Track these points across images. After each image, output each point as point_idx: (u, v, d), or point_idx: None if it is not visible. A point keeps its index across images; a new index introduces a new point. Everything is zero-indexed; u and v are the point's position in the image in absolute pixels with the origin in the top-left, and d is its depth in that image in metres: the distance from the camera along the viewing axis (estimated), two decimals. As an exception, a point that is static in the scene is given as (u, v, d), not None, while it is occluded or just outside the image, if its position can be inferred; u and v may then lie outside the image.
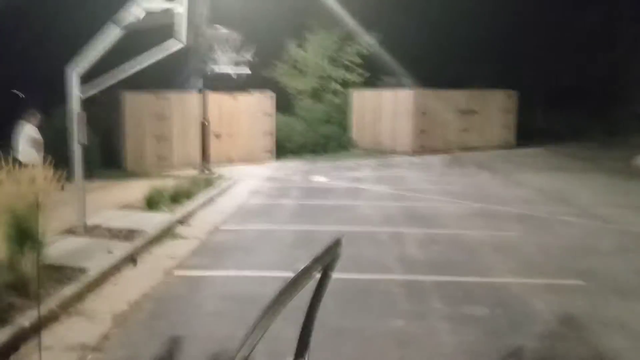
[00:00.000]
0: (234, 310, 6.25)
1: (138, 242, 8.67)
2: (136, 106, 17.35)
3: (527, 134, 26.86)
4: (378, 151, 23.20)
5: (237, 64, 18.22)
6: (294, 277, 2.01)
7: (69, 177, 9.32)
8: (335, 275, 6.53)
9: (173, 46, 9.08)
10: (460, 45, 28.86)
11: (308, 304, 2.32)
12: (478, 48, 29.32)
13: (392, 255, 8.46)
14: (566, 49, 30.24)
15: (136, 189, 12.85)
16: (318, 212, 11.66)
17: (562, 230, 10.24)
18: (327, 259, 2.23)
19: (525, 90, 27.12)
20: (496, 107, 25.36)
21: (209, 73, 17.21)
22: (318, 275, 2.24)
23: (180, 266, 7.95)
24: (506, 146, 25.14)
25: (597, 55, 31.40)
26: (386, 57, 26.09)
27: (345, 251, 7.35)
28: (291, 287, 2.00)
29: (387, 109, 23.55)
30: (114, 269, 7.50)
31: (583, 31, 30.72)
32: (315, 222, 10.65)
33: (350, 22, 25.06)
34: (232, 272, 7.69)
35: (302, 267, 2.08)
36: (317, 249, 2.18)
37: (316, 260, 2.14)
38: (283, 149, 21.20)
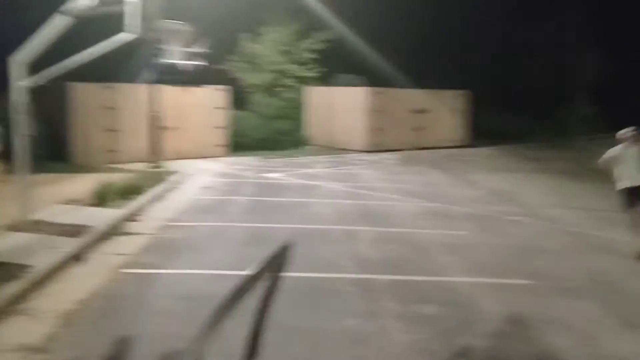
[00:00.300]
0: (184, 309, 6.13)
1: (86, 238, 8.41)
2: (85, 97, 16.86)
3: (479, 134, 27.41)
4: (332, 148, 23.24)
5: (189, 57, 17.91)
6: (243, 280, 1.97)
7: (14, 170, 8.98)
8: (289, 273, 6.50)
9: (126, 37, 8.85)
10: (416, 45, 29.22)
11: (258, 307, 2.28)
12: (433, 48, 29.76)
13: (346, 254, 8.46)
14: (517, 52, 31.00)
15: (84, 183, 12.49)
16: (271, 209, 11.58)
17: (512, 230, 10.46)
18: (276, 263, 2.20)
19: (478, 91, 27.66)
20: (450, 107, 25.76)
21: (160, 65, 16.84)
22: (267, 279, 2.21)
23: (129, 263, 7.74)
24: (459, 145, 25.56)
25: (546, 58, 32.31)
26: (342, 54, 26.15)
27: (298, 249, 7.39)
28: (240, 290, 1.97)
29: (341, 106, 23.61)
30: (60, 267, 7.25)
31: (533, 36, 31.54)
32: (268, 220, 10.57)
33: (305, 17, 25.00)
34: (183, 270, 7.55)
35: (251, 269, 2.04)
36: (270, 246, 2.14)
37: (265, 264, 2.12)
38: (236, 144, 20.96)
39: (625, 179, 9.04)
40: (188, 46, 18.35)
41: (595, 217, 11.66)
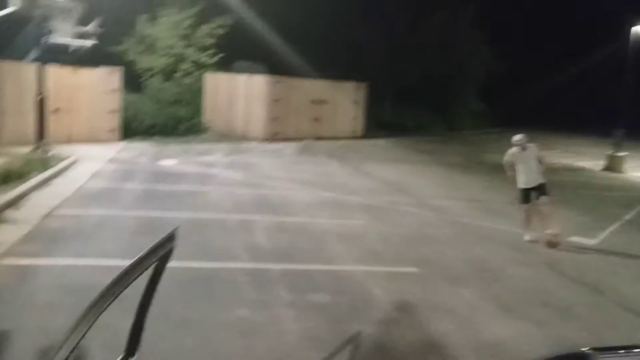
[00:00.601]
0: (68, 301, 5.83)
1: (-42, 226, 7.81)
2: (-39, 74, 15.58)
3: (375, 125, 28.14)
4: (231, 136, 22.97)
5: (78, 36, 16.96)
6: (124, 270, 1.89)
7: None
8: (182, 264, 6.41)
9: (3, 11, 8.26)
10: (316, 36, 29.39)
11: (140, 299, 2.20)
12: (332, 40, 30.06)
13: (240, 243, 8.41)
14: (412, 49, 31.99)
15: (-42, 167, 11.59)
16: (165, 198, 11.27)
17: (402, 219, 10.84)
18: (160, 252, 2.13)
19: (375, 84, 28.32)
20: (347, 98, 26.19)
21: (46, 44, 15.83)
22: (151, 269, 2.13)
23: (8, 254, 7.26)
24: (355, 137, 26.09)
25: (440, 56, 33.60)
26: (242, 41, 25.82)
27: (192, 239, 7.27)
28: (120, 281, 1.88)
29: (240, 94, 23.37)
30: None
31: (428, 34, 32.69)
32: (161, 208, 10.27)
33: (206, 1, 24.47)
34: (68, 261, 7.18)
35: (134, 259, 1.97)
36: (162, 235, 2.08)
37: (149, 253, 2.04)
38: (130, 129, 20.16)
39: (521, 180, 10.01)
40: (79, 25, 17.43)
41: (481, 208, 12.34)
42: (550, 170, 20.59)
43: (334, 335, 5.50)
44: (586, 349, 1.45)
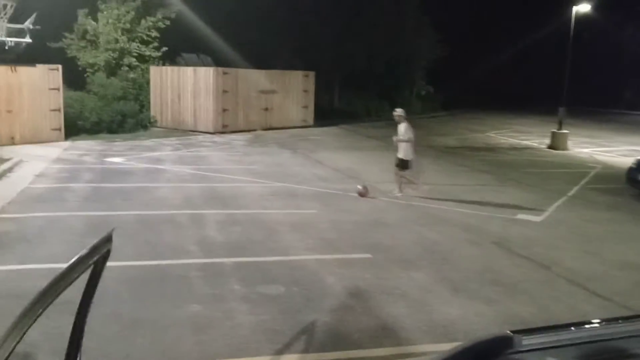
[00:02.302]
0: (14, 308, 5.62)
1: None
2: None
3: (324, 113, 28.18)
4: (180, 130, 22.66)
5: (14, 32, 16.35)
6: (59, 273, 1.85)
7: None
8: (131, 262, 6.31)
9: None
10: (261, 25, 29.18)
11: (79, 302, 2.16)
12: (278, 29, 29.88)
13: (192, 239, 8.32)
14: (358, 34, 32.09)
15: None
16: (113, 196, 11.03)
17: (354, 206, 10.92)
18: (97, 254, 2.09)
19: (323, 72, 28.34)
20: (296, 88, 26.14)
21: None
22: (88, 272, 2.09)
23: (-53, 262, 7.00)
24: (305, 125, 26.09)
25: (386, 40, 33.82)
26: (187, 33, 25.42)
27: (142, 237, 7.17)
28: (56, 284, 1.84)
29: (188, 87, 23.02)
30: None
31: (375, 18, 32.85)
32: (109, 207, 10.06)
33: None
34: (12, 266, 6.96)
35: (70, 261, 1.92)
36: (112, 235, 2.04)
37: (85, 256, 1.99)
38: (74, 127, 19.62)
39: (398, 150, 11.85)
40: (14, 22, 16.81)
41: (430, 191, 12.49)
42: (497, 149, 21.17)
43: (289, 326, 5.51)
44: (509, 331, 1.50)
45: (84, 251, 1.99)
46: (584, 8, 23.30)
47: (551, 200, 12.22)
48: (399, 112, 12.00)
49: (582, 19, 23.52)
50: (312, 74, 26.88)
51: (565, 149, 21.68)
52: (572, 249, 8.77)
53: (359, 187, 11.77)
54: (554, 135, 22.27)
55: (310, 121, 26.67)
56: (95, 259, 2.11)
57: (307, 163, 16.16)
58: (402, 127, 11.76)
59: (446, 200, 11.71)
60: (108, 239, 2.21)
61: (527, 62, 48.91)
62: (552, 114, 23.83)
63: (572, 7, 23.18)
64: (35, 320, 1.80)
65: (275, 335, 5.33)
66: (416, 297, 6.44)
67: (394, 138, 11.98)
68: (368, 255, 7.87)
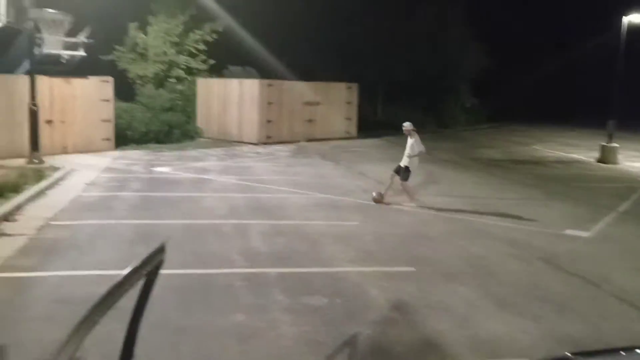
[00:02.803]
0: (66, 313, 5.84)
1: (-47, 242, 7.81)
2: (-48, 88, 15.53)
3: (367, 125, 28.18)
4: (225, 141, 23.02)
5: (69, 46, 16.95)
6: (115, 283, 1.92)
7: None
8: (178, 270, 6.45)
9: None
10: (306, 38, 29.48)
11: (132, 310, 2.24)
12: (322, 42, 30.14)
13: (236, 248, 8.43)
14: (403, 46, 32.05)
15: (-48, 182, 11.58)
16: (160, 205, 11.28)
17: (399, 218, 10.89)
18: (150, 264, 2.16)
19: (366, 84, 28.38)
20: (339, 99, 26.24)
21: (37, 55, 15.81)
22: (141, 282, 2.17)
23: (3, 267, 7.27)
24: (348, 137, 26.14)
25: (431, 52, 33.66)
26: (233, 46, 25.90)
27: (188, 246, 7.31)
28: (112, 294, 1.91)
29: (233, 99, 23.40)
30: None
31: (418, 30, 32.76)
32: (157, 216, 10.29)
33: (196, 7, 24.52)
34: (64, 272, 7.19)
35: (125, 272, 2.00)
36: (159, 244, 2.11)
37: (139, 266, 2.07)
38: (124, 137, 20.18)
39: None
40: (69, 36, 17.43)
41: (474, 204, 12.37)
42: (543, 162, 20.75)
43: (332, 338, 5.52)
44: (568, 353, 1.49)
45: (138, 262, 2.07)
46: (635, 18, 22.70)
47: (600, 215, 11.91)
48: (407, 125, 12.21)
49: (633, 29, 22.90)
50: (355, 85, 26.95)
51: (615, 162, 21.10)
52: (623, 266, 8.53)
53: (374, 193, 12.11)
54: (603, 149, 21.71)
55: (354, 133, 26.70)
56: (149, 270, 2.19)
57: (349, 175, 16.19)
58: (412, 141, 11.99)
59: (490, 213, 11.55)
60: (161, 250, 2.28)
61: (574, 73, 47.84)
62: (600, 127, 23.23)
63: (622, 18, 22.62)
64: (92, 328, 1.88)
65: (318, 346, 5.35)
66: (460, 311, 6.37)
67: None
68: (411, 269, 7.82)
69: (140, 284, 2.23)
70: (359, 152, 21.69)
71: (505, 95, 42.09)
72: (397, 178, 12.04)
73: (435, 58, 33.80)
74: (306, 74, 26.30)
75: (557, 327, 6.09)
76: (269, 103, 23.03)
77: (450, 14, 34.78)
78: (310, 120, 24.83)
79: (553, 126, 37.70)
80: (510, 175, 17.50)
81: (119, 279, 1.95)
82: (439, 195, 13.37)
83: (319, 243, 8.97)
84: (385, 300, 6.60)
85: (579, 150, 25.10)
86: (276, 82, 23.79)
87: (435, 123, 34.74)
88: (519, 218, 11.26)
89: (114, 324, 1.94)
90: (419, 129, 32.19)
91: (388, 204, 11.92)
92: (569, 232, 10.33)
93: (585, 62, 45.18)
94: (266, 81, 23.42)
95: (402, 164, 11.96)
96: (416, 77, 33.10)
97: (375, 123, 30.46)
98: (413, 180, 12.41)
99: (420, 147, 12.02)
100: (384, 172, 16.60)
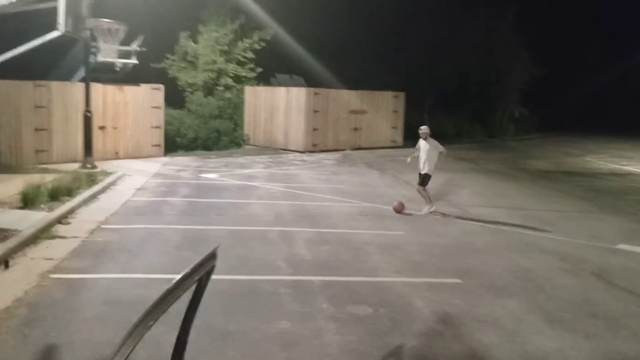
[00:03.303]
0: (115, 314, 6.00)
1: (10, 242, 8.09)
2: (12, 95, 16.14)
3: (414, 134, 27.90)
4: (271, 148, 23.25)
5: (122, 54, 17.45)
6: (168, 288, 1.97)
7: None
8: (223, 276, 6.55)
9: (54, 34, 8.57)
10: (352, 46, 29.54)
11: (184, 314, 2.28)
12: (368, 51, 30.16)
13: (281, 255, 8.48)
14: (451, 54, 31.76)
15: (10, 185, 12.04)
16: (207, 211, 11.46)
17: (443, 229, 10.74)
18: (202, 270, 2.20)
19: (413, 92, 28.20)
20: (385, 108, 26.16)
21: (92, 63, 16.33)
22: (193, 286, 2.20)
23: (57, 268, 7.51)
24: (394, 146, 26.00)
25: (479, 61, 33.25)
26: (280, 54, 26.19)
27: (233, 252, 7.40)
28: (165, 298, 1.95)
29: (280, 107, 23.61)
30: (-18, 273, 6.96)
31: (466, 39, 32.43)
32: (204, 221, 10.46)
33: (245, 16, 24.90)
34: (114, 275, 7.38)
35: (181, 273, 2.04)
36: (205, 249, 2.15)
37: (192, 271, 2.11)
38: (173, 143, 20.64)
39: (420, 167, 12.13)
40: (123, 44, 17.93)
41: (522, 216, 12.12)
42: (595, 175, 20.17)
43: (376, 348, 5.49)
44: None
45: (190, 268, 2.10)
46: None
47: (656, 230, 11.50)
48: (425, 129, 12.31)
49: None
50: (402, 94, 26.82)
51: (672, 176, 20.35)
52: (680, 283, 8.19)
53: (395, 203, 12.05)
54: (659, 161, 20.97)
55: (400, 141, 26.55)
56: (201, 274, 2.23)
57: (395, 184, 16.09)
58: (429, 146, 12.05)
59: (539, 225, 11.28)
60: (212, 256, 2.32)
61: (627, 83, 46.40)
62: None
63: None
64: (146, 332, 1.92)
65: (363, 356, 5.32)
66: (508, 326, 6.23)
67: (409, 159, 12.86)
68: (458, 280, 7.70)
69: (192, 289, 2.27)
70: (405, 161, 21.48)
71: (556, 105, 41.17)
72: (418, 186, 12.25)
73: (484, 66, 33.36)
74: (352, 83, 26.34)
75: (609, 345, 5.89)
76: (315, 111, 23.15)
77: (499, 22, 34.29)
78: (356, 129, 24.83)
79: (605, 137, 36.60)
80: (560, 186, 17.08)
81: (171, 284, 1.99)
82: (486, 206, 13.15)
83: (363, 252, 8.94)
84: (430, 311, 6.51)
85: (633, 163, 24.30)
86: (323, 91, 23.90)
87: (483, 132, 34.24)
88: (570, 231, 10.96)
89: (162, 327, 1.98)
90: (466, 138, 31.85)
91: (410, 214, 11.85)
92: (622, 246, 10.00)
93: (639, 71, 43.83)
94: (313, 89, 23.57)
95: (422, 171, 12.04)
96: (463, 86, 32.74)
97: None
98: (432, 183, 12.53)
99: (441, 148, 12.07)
100: (431, 181, 16.46)
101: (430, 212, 11.87)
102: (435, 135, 31.00)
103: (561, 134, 38.64)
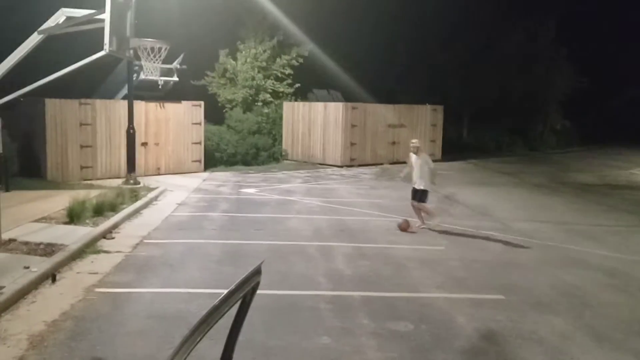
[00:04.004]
0: (158, 329, 6.08)
1: (57, 257, 8.31)
2: (58, 113, 16.66)
3: (452, 148, 27.75)
4: (309, 163, 23.35)
5: (164, 72, 17.85)
6: (214, 304, 1.99)
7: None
8: (264, 291, 6.52)
9: (99, 54, 8.82)
10: (392, 61, 29.57)
11: (229, 329, 2.30)
12: (406, 64, 30.12)
13: (321, 270, 8.48)
14: (489, 67, 31.45)
15: (57, 200, 12.38)
16: (247, 226, 11.55)
17: (485, 244, 10.58)
18: (247, 286, 2.22)
19: (452, 105, 28.02)
20: (424, 122, 26.01)
21: (135, 81, 16.75)
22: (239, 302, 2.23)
23: (102, 282, 7.67)
24: (433, 160, 25.67)
25: (519, 73, 32.83)
26: (318, 69, 26.38)
27: (273, 266, 7.47)
28: (212, 313, 1.98)
29: (318, 121, 23.73)
30: (31, 286, 7.15)
31: (506, 50, 32.08)
32: (244, 236, 10.54)
33: (283, 33, 25.21)
34: (157, 289, 7.49)
35: (224, 293, 2.06)
36: (245, 264, 2.17)
37: (237, 287, 2.13)
38: (212, 159, 20.94)
39: (413, 181, 11.60)
40: (164, 62, 18.32)
41: (567, 231, 11.86)
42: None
43: (418, 365, 5.42)
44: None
45: (236, 283, 2.13)
46: None
47: None
48: (415, 142, 11.77)
49: None
50: (440, 107, 26.64)
51: None
52: None
53: (400, 221, 11.54)
54: None
55: (438, 155, 26.32)
56: (246, 290, 2.25)
57: (434, 198, 15.89)
58: (420, 160, 11.54)
59: (585, 240, 11.01)
60: (257, 272, 2.34)
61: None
62: None
63: None
64: (194, 347, 1.95)
65: (405, 373, 5.26)
66: (554, 343, 6.08)
67: (403, 174, 12.42)
68: (501, 297, 7.56)
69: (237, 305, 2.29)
70: (443, 175, 21.23)
71: (600, 117, 40.28)
72: (415, 202, 11.61)
73: (524, 78, 32.91)
74: (390, 97, 26.33)
75: (661, 365, 5.69)
76: (353, 126, 23.19)
77: (540, 34, 33.83)
78: (394, 143, 24.74)
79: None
80: (605, 200, 16.65)
81: (217, 300, 2.02)
82: (528, 221, 12.91)
83: (404, 267, 8.86)
84: (473, 328, 6.41)
85: (682, 175, 23.55)
86: (360, 105, 23.93)
87: (523, 145, 33.69)
88: (616, 246, 10.67)
89: (204, 341, 2.00)
90: (506, 151, 31.43)
91: (414, 232, 11.31)
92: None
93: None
94: (350, 104, 23.63)
95: (418, 186, 11.46)
96: (503, 98, 32.33)
97: (460, 145, 29.97)
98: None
99: (431, 164, 11.67)
100: (471, 195, 16.32)
101: (421, 228, 11.54)
102: (474, 148, 30.85)
103: (604, 146, 37.75)
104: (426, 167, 11.49)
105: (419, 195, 11.50)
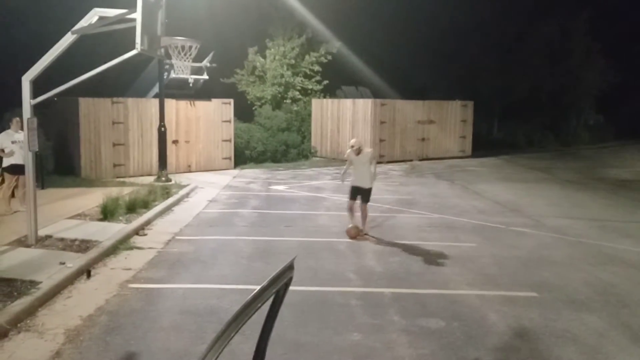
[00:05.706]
0: (190, 324, 6.15)
1: (92, 253, 8.47)
2: (92, 112, 16.98)
3: (483, 144, 27.45)
4: (338, 160, 23.30)
5: (194, 70, 18.02)
6: (247, 300, 2.01)
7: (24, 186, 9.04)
8: (295, 287, 6.55)
9: (131, 53, 8.93)
10: (419, 57, 29.34)
11: (262, 325, 2.32)
12: (436, 60, 29.87)
13: (351, 267, 8.47)
14: (521, 62, 31.01)
15: (91, 197, 12.61)
16: (277, 222, 11.60)
17: (517, 241, 10.44)
18: (280, 281, 2.23)
19: (482, 101, 27.70)
20: (453, 118, 25.77)
21: (166, 79, 16.96)
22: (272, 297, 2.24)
23: (136, 278, 7.79)
24: (463, 156, 25.58)
25: (551, 68, 32.29)
26: (347, 66, 26.36)
27: (304, 263, 7.49)
28: (245, 309, 2.00)
29: (346, 118, 23.70)
30: (67, 282, 7.31)
31: (538, 45, 31.58)
32: (274, 233, 10.59)
33: (311, 30, 25.25)
34: (189, 285, 7.57)
35: (257, 288, 2.08)
36: (276, 260, 2.19)
37: (270, 283, 2.15)
38: (242, 156, 21.10)
39: (354, 179, 10.56)
40: (195, 61, 18.49)
41: (601, 228, 11.64)
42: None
43: (450, 362, 5.39)
44: None
45: (269, 279, 2.14)
46: None
47: None
48: (354, 142, 10.44)
49: None
50: (470, 103, 26.35)
51: None
52: None
53: (350, 225, 10.35)
54: None
55: (468, 151, 26.09)
56: (279, 286, 2.26)
57: (465, 195, 15.79)
58: (370, 152, 10.54)
59: (619, 237, 10.79)
60: (290, 267, 2.36)
61: None
62: None
63: None
64: (228, 343, 1.97)
65: (436, 370, 5.23)
66: (589, 342, 5.98)
67: (342, 177, 11.25)
68: (533, 294, 7.46)
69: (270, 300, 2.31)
70: (474, 171, 21.14)
71: (634, 112, 39.36)
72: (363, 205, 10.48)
73: (556, 73, 32.35)
74: (420, 93, 26.17)
75: (701, 365, 5.55)
76: (382, 122, 23.10)
77: (573, 28, 33.21)
78: (423, 139, 24.59)
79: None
80: (641, 196, 16.31)
81: (250, 296, 2.04)
82: (561, 217, 12.71)
83: (434, 264, 8.81)
84: (506, 326, 6.34)
85: None
86: (389, 102, 23.83)
87: (555, 141, 33.15)
88: (653, 243, 10.44)
89: (236, 337, 2.01)
90: (538, 147, 30.99)
91: (366, 235, 10.40)
92: None
93: None
94: (379, 100, 23.54)
95: (367, 186, 10.36)
96: (535, 94, 31.84)
97: (491, 141, 29.64)
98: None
99: (375, 154, 10.88)
100: (502, 192, 16.13)
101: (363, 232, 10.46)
102: (505, 144, 30.45)
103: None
104: (373, 163, 10.45)
105: (368, 195, 10.46)
